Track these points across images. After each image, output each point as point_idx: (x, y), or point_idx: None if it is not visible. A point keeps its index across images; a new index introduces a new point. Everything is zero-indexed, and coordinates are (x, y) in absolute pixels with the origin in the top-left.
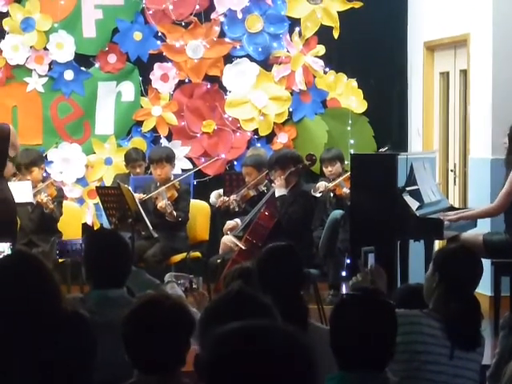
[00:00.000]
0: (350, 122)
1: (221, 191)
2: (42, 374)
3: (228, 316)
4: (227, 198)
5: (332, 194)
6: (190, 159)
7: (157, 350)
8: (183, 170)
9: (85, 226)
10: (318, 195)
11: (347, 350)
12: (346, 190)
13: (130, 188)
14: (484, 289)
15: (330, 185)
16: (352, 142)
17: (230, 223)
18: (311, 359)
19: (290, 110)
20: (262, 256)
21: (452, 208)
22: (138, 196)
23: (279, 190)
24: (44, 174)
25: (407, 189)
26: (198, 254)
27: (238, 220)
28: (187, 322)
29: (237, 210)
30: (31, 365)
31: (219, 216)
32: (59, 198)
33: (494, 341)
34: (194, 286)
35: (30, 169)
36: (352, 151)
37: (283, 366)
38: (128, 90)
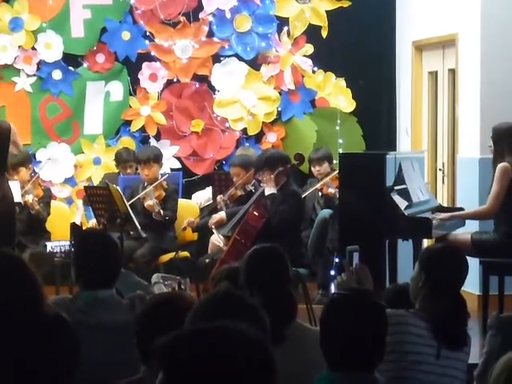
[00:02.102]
0: (338, 121)
1: (208, 193)
2: (23, 377)
3: (215, 317)
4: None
5: (320, 194)
6: (178, 159)
7: None
8: (172, 170)
9: (73, 226)
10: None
11: (337, 350)
12: (332, 190)
13: (118, 188)
14: (472, 288)
15: (312, 189)
16: (341, 141)
17: (215, 217)
18: (270, 362)
19: (279, 109)
20: (249, 258)
21: (440, 207)
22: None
23: (269, 189)
24: (32, 174)
25: (396, 188)
26: (186, 253)
27: (222, 213)
28: None
29: (224, 209)
30: (11, 368)
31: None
32: (46, 198)
33: (482, 340)
34: (182, 287)
35: (17, 169)
36: (341, 151)
37: (241, 369)
38: (116, 89)
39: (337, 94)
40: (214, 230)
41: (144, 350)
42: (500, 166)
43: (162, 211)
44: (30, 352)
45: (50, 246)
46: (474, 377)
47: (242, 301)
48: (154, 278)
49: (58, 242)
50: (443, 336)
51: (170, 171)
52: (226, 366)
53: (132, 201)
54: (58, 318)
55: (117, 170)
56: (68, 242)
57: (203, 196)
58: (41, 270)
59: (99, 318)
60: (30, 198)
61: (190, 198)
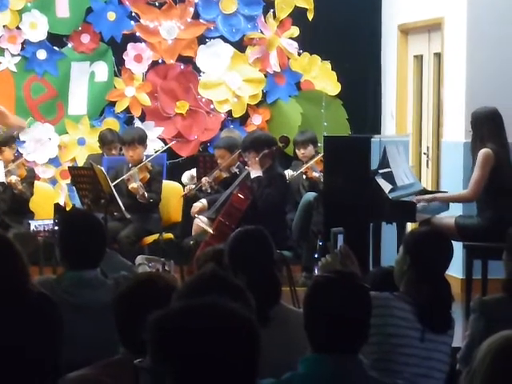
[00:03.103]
0: (323, 104)
1: (193, 172)
2: (8, 353)
3: (201, 297)
4: (193, 187)
5: (304, 177)
6: (163, 140)
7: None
8: (156, 151)
9: (57, 206)
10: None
11: (320, 333)
12: (316, 174)
13: (102, 169)
14: (456, 271)
15: (295, 173)
16: (326, 124)
17: (196, 205)
18: (254, 334)
19: (264, 91)
20: (233, 239)
21: (425, 191)
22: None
23: (254, 172)
24: (16, 154)
25: (380, 171)
26: (170, 235)
27: (203, 201)
28: None
29: (209, 191)
30: None
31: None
32: (30, 178)
33: (465, 323)
34: (167, 269)
35: (1, 149)
36: (326, 134)
37: (226, 342)
38: (101, 70)
39: (322, 77)
40: (197, 217)
41: (123, 331)
42: (482, 151)
43: (146, 194)
44: (15, 328)
45: (33, 224)
46: (458, 359)
47: (229, 282)
48: (139, 259)
49: (42, 221)
50: (428, 319)
51: (153, 153)
52: (214, 340)
53: (116, 182)
54: (43, 297)
55: (101, 151)
56: (52, 221)
57: (186, 174)
58: (25, 250)
59: (84, 298)
60: (13, 178)
61: (175, 180)
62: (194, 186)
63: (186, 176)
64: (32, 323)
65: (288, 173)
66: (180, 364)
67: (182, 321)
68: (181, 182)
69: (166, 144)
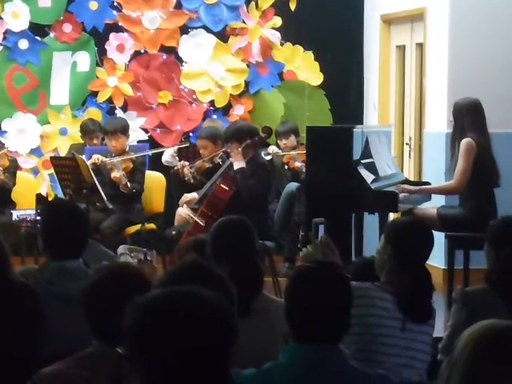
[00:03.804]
0: (306, 94)
1: (172, 151)
2: None
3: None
4: (183, 163)
5: (286, 167)
6: (145, 130)
7: (118, 321)
8: (138, 142)
9: (39, 196)
10: (268, 158)
11: (302, 323)
12: (298, 164)
13: (84, 159)
14: (438, 262)
15: (281, 152)
16: (308, 114)
17: (187, 196)
18: (231, 323)
19: (247, 81)
20: (215, 229)
21: (407, 181)
22: (94, 158)
23: (237, 163)
24: None
25: (362, 162)
26: (153, 225)
27: (195, 194)
28: (148, 291)
29: (192, 181)
30: None
31: (174, 187)
32: (12, 168)
33: (447, 313)
34: (149, 259)
35: None
36: (308, 124)
37: (204, 331)
38: (83, 60)
39: (305, 67)
40: (185, 207)
41: (93, 323)
42: (464, 141)
43: (129, 183)
44: None
45: (15, 214)
46: (439, 350)
47: (210, 271)
48: (121, 249)
49: (24, 211)
50: (408, 309)
51: (136, 143)
52: (189, 329)
53: (100, 161)
54: (24, 287)
55: (82, 141)
56: (34, 212)
57: (167, 153)
58: (8, 240)
59: (66, 288)
60: None
61: (157, 171)
62: (187, 163)
63: (167, 155)
64: (13, 313)
65: (273, 149)
66: (154, 352)
67: (157, 309)
68: (163, 173)
69: (148, 134)
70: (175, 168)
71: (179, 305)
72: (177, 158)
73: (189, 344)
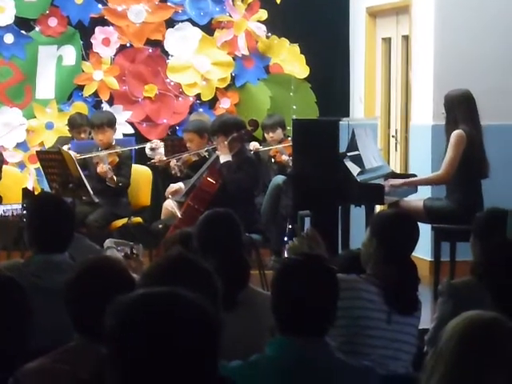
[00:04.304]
0: (292, 87)
1: (155, 143)
2: None
3: (166, 280)
4: (164, 158)
5: (273, 160)
6: (131, 124)
7: (99, 315)
8: (124, 135)
9: (25, 190)
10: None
11: (288, 315)
12: (285, 157)
13: (71, 152)
14: (424, 254)
15: (262, 148)
16: (295, 107)
17: (173, 186)
18: (213, 325)
19: (233, 75)
20: (201, 222)
21: (393, 173)
22: (75, 155)
23: (224, 157)
24: None
25: (348, 154)
26: (139, 219)
27: (181, 184)
28: (129, 284)
29: (179, 175)
30: None
31: (161, 180)
32: None
33: (433, 305)
34: (135, 252)
35: None
36: (294, 117)
37: (184, 333)
38: (69, 54)
39: (291, 60)
40: (170, 198)
41: (74, 317)
42: (455, 132)
43: (115, 177)
44: None
45: (1, 209)
46: (425, 341)
47: (195, 265)
48: (107, 242)
49: (11, 206)
50: (394, 301)
51: (122, 136)
52: (171, 330)
53: (82, 156)
54: (10, 281)
55: (70, 135)
56: (20, 206)
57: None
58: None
59: (53, 281)
60: None
61: (143, 164)
62: (164, 158)
63: (149, 146)
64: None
65: (254, 145)
66: (135, 353)
67: (140, 310)
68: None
69: (134, 128)
70: (152, 161)
71: (161, 306)
72: (159, 151)
73: (170, 345)
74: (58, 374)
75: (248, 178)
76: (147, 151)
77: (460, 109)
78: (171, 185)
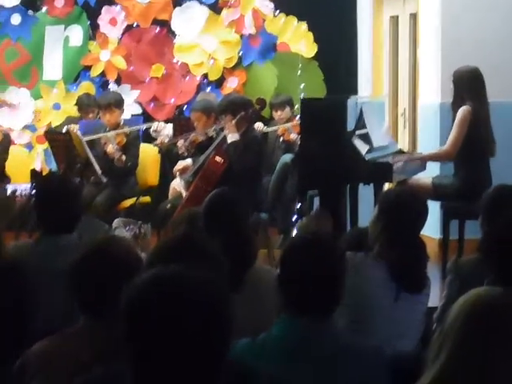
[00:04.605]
0: (299, 66)
1: (156, 124)
2: None
3: (173, 260)
4: (166, 140)
5: (281, 139)
6: (139, 104)
7: (105, 295)
8: (133, 115)
9: (33, 172)
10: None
11: (295, 294)
12: (293, 136)
13: (79, 133)
14: (432, 232)
15: (265, 129)
16: (302, 86)
17: (181, 163)
18: (221, 307)
19: (240, 54)
20: (209, 202)
21: (401, 152)
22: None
23: (232, 136)
24: None
25: (357, 133)
26: (147, 199)
27: (189, 160)
28: (136, 265)
29: (186, 155)
30: None
31: (168, 160)
32: (5, 143)
33: (442, 284)
34: (143, 232)
35: None
36: (302, 95)
37: (193, 313)
38: (76, 34)
39: (298, 39)
40: (178, 176)
41: (79, 299)
42: (462, 109)
43: (123, 157)
44: None
45: (10, 188)
46: (434, 319)
47: (201, 245)
48: (116, 222)
49: (19, 185)
50: (402, 279)
51: (130, 116)
52: (182, 312)
53: (91, 138)
54: (14, 264)
55: (79, 115)
56: (28, 186)
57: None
58: (5, 215)
59: (61, 262)
60: None
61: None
62: (166, 141)
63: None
64: (2, 292)
65: (258, 125)
66: (147, 337)
67: (151, 291)
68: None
69: (142, 108)
70: (155, 143)
71: (172, 287)
72: (162, 133)
73: (181, 325)
74: (63, 355)
75: (254, 157)
76: (151, 132)
77: (468, 86)
78: (179, 162)
